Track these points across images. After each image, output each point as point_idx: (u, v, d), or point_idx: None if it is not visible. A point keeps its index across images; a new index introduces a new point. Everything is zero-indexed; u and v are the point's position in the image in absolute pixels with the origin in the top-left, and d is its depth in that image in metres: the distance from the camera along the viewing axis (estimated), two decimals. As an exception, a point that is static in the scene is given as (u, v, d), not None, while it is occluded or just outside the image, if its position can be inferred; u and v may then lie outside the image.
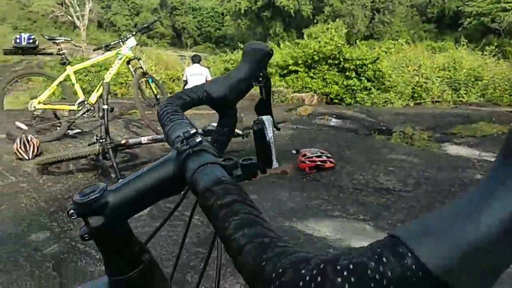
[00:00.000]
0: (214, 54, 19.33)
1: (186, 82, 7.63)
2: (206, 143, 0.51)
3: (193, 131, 0.51)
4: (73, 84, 4.97)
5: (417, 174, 3.71)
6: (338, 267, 0.25)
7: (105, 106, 3.37)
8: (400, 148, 4.87)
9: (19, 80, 5.13)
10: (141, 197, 0.53)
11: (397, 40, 13.16)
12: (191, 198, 0.51)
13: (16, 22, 30.07)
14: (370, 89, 9.51)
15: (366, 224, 2.79)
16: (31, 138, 4.22)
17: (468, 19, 21.42)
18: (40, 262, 2.40)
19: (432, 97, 9.67)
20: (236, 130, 2.89)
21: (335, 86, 9.61)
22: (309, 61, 10.05)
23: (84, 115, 4.76)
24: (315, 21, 25.18)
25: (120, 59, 4.83)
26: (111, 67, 4.89)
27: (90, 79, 9.77)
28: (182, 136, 0.50)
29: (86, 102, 4.76)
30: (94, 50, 5.45)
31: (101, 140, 3.45)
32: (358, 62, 9.68)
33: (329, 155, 3.91)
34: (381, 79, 9.72)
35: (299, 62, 10.14)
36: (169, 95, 5.33)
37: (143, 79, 4.97)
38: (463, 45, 12.21)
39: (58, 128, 4.88)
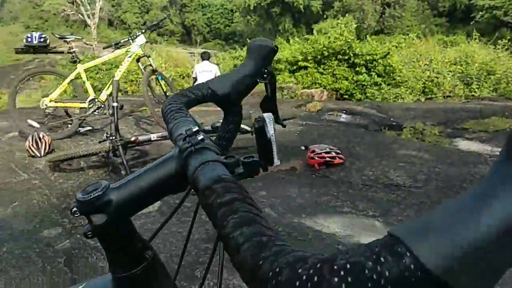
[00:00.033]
0: (223, 51, 19.34)
1: (195, 79, 7.65)
2: (208, 141, 0.51)
3: (196, 129, 0.51)
4: (83, 82, 5.02)
5: (427, 170, 3.67)
6: (335, 267, 0.25)
7: (115, 104, 3.40)
8: (410, 143, 4.82)
9: (31, 79, 5.19)
10: (144, 195, 0.54)
11: (407, 34, 13.02)
12: (196, 196, 0.51)
13: (28, 21, 30.40)
14: (381, 84, 9.43)
15: (375, 220, 2.77)
16: (43, 136, 4.27)
17: (480, 13, 21.08)
18: (52, 258, 2.44)
19: (443, 92, 9.56)
20: (245, 127, 2.91)
21: (345, 82, 9.55)
22: (319, 56, 10.00)
23: (95, 112, 4.81)
24: (324, 16, 25.01)
25: (130, 56, 4.87)
26: (121, 65, 4.93)
27: (101, 77, 9.84)
28: (184, 134, 0.51)
29: (96, 100, 4.80)
30: (104, 48, 5.49)
31: (111, 138, 3.48)
32: (368, 57, 9.60)
33: (338, 151, 3.89)
34: (391, 74, 9.62)
35: (309, 58, 10.09)
36: (178, 92, 5.34)
37: (153, 77, 5.00)
38: (475, 39, 12.02)
39: (69, 125, 4.94)
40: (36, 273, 2.30)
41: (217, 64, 9.19)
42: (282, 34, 22.99)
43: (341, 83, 9.56)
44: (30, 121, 4.74)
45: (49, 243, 2.61)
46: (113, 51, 5.01)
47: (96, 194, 0.51)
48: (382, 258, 0.24)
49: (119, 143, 3.46)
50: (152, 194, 0.55)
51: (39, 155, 4.18)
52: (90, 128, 5.18)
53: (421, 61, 10.33)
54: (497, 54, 10.68)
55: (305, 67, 10.12)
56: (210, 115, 5.31)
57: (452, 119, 6.31)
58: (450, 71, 9.88)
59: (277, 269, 0.27)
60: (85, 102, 4.80)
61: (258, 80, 0.73)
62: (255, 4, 26.73)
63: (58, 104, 4.86)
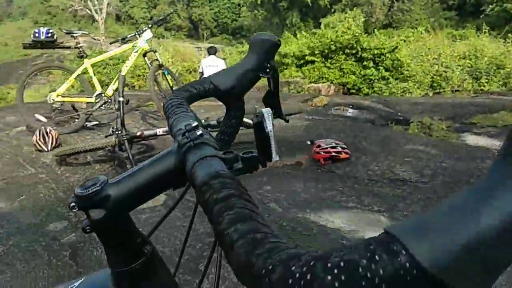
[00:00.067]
0: (230, 46, 19.31)
1: (202, 73, 7.66)
2: (208, 136, 0.51)
3: (195, 124, 0.51)
4: (90, 77, 5.04)
5: (434, 165, 3.64)
6: (329, 265, 0.24)
7: (121, 99, 3.41)
8: (417, 138, 4.78)
9: (38, 74, 5.23)
10: (142, 190, 0.54)
11: (416, 28, 12.87)
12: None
13: (37, 17, 30.59)
14: (388, 78, 9.36)
15: (381, 216, 2.76)
16: (50, 130, 4.31)
17: (490, 6, 20.75)
18: (58, 251, 2.46)
19: (451, 86, 9.45)
20: (249, 121, 2.90)
21: (352, 76, 9.49)
22: (326, 51, 9.93)
23: (102, 107, 4.83)
24: (332, 10, 24.82)
25: (137, 51, 4.88)
26: (128, 59, 4.94)
27: (108, 72, 9.89)
28: (184, 129, 0.50)
29: (103, 95, 4.82)
30: (111, 43, 5.50)
31: (117, 132, 3.49)
32: (376, 52, 9.52)
33: (344, 146, 3.87)
34: (399, 68, 9.54)
35: (316, 52, 10.03)
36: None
37: (160, 71, 5.01)
38: (485, 32, 11.86)
39: (76, 120, 4.97)
40: (42, 266, 2.33)
41: (224, 59, 9.18)
42: (289, 28, 22.88)
43: (348, 78, 9.50)
44: (37, 116, 4.78)
45: (55, 236, 2.64)
46: (119, 46, 5.02)
47: (95, 189, 0.51)
48: (377, 256, 0.23)
49: (125, 138, 3.48)
50: (151, 189, 0.55)
51: (46, 150, 4.21)
52: (97, 122, 5.21)
53: (430, 55, 10.22)
54: (507, 48, 10.53)
55: (312, 62, 10.07)
56: (216, 109, 5.31)
57: (460, 114, 6.25)
58: (459, 65, 9.77)
59: (270, 267, 0.27)
60: (92, 97, 4.83)
61: (261, 75, 0.72)
62: (263, -2, 26.60)
63: (65, 99, 4.89)
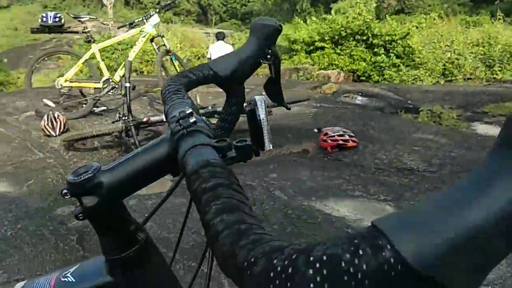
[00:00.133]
0: (239, 31, 19.16)
1: (210, 59, 7.62)
2: (202, 124, 0.50)
3: (189, 111, 0.50)
4: (98, 62, 5.03)
5: (443, 154, 3.60)
6: (311, 258, 0.24)
7: (127, 84, 3.41)
8: (427, 127, 4.73)
9: (46, 59, 5.24)
10: (136, 177, 0.53)
11: (429, 14, 12.63)
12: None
13: (46, 1, 30.57)
14: (399, 66, 9.23)
15: (386, 205, 2.74)
16: (58, 115, 4.33)
17: (506, -9, 20.30)
18: (65, 236, 2.49)
19: (464, 74, 9.30)
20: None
21: (363, 63, 9.38)
22: (336, 37, 9.81)
23: (109, 92, 4.83)
24: (343, -5, 24.45)
25: (144, 36, 4.85)
26: (135, 45, 4.92)
27: (117, 57, 9.88)
28: (178, 116, 0.49)
29: (111, 80, 4.82)
30: (118, 28, 5.49)
31: (123, 118, 3.50)
32: (387, 38, 9.38)
33: (352, 134, 3.84)
34: (410, 55, 9.40)
35: (326, 38, 9.91)
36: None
37: (167, 57, 4.98)
38: (499, 19, 11.61)
39: (84, 105, 4.99)
40: (49, 250, 2.36)
41: (232, 44, 9.12)
42: (299, 14, 22.60)
43: (358, 65, 9.39)
44: (45, 101, 4.80)
45: (62, 221, 2.67)
46: (127, 31, 5.00)
47: (87, 176, 0.51)
48: (360, 251, 0.23)
49: (131, 124, 3.49)
50: (145, 177, 0.54)
51: (54, 135, 4.24)
52: (105, 108, 5.23)
53: (442, 42, 10.04)
54: (522, 35, 10.30)
55: (322, 48, 9.96)
56: (224, 96, 5.28)
57: (471, 103, 6.15)
58: (472, 53, 9.59)
59: (253, 259, 0.26)
60: (99, 82, 4.83)
61: (261, 61, 0.71)
62: (273, -17, 26.26)
63: (73, 84, 4.90)
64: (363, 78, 9.32)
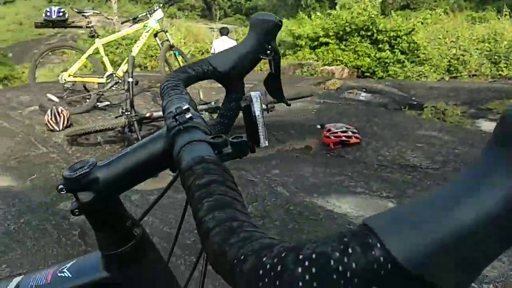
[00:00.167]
0: (244, 26, 19.09)
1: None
2: (198, 120, 0.50)
3: (186, 107, 0.50)
4: (102, 57, 5.04)
5: (446, 151, 3.58)
6: (300, 257, 0.23)
7: (130, 79, 3.41)
8: (430, 124, 4.70)
9: (51, 53, 5.24)
10: (132, 173, 0.53)
11: (435, 10, 12.53)
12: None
13: (51, -5, 30.61)
14: (404, 62, 9.17)
15: (389, 202, 2.73)
16: (62, 110, 4.35)
17: (513, -13, 20.11)
18: (67, 230, 2.51)
19: (469, 71, 9.23)
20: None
21: (367, 59, 9.32)
22: (341, 32, 9.75)
23: (113, 87, 4.84)
24: (349, -10, 24.31)
25: (147, 31, 4.85)
26: (139, 40, 4.92)
27: (121, 52, 9.88)
28: (174, 111, 0.49)
29: (114, 75, 4.82)
30: (122, 23, 5.49)
31: (126, 113, 3.50)
32: (392, 34, 9.31)
33: (355, 130, 3.82)
34: (415, 51, 9.33)
35: (330, 33, 9.85)
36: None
37: (170, 52, 4.98)
38: (506, 15, 11.49)
39: (87, 100, 5.00)
40: (52, 245, 2.37)
41: (236, 40, 9.10)
42: (304, 9, 22.51)
43: (363, 60, 9.34)
44: (49, 95, 4.81)
45: (65, 215, 2.68)
46: (131, 26, 5.00)
47: (83, 172, 0.51)
48: (350, 249, 0.23)
49: (134, 119, 3.49)
50: (141, 173, 0.54)
51: (57, 129, 4.26)
52: (108, 103, 5.23)
53: (448, 38, 9.96)
54: (529, 31, 10.20)
55: (326, 43, 9.90)
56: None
57: (476, 99, 6.11)
58: (477, 49, 9.51)
59: (242, 256, 0.26)
60: (103, 77, 4.84)
61: (261, 57, 0.70)
62: (277, -22, 26.14)
63: (77, 79, 4.91)
64: (368, 74, 9.27)
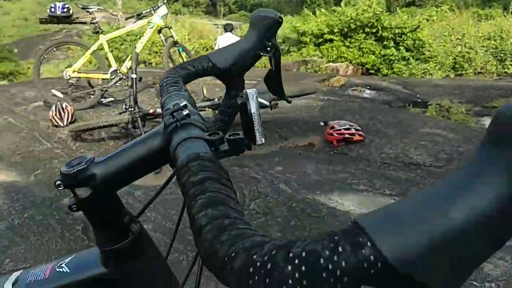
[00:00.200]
0: (248, 23, 19.08)
1: (217, 51, 7.59)
2: (196, 117, 0.50)
3: (183, 103, 0.50)
4: (106, 53, 5.05)
5: (450, 149, 3.56)
6: (291, 255, 0.24)
7: (134, 76, 3.41)
8: (435, 121, 4.68)
9: (55, 49, 5.25)
10: (129, 169, 0.54)
11: (440, 7, 12.44)
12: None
13: (56, -9, 30.64)
14: (409, 59, 9.11)
15: (392, 199, 2.73)
16: (66, 106, 4.36)
17: (520, -16, 19.92)
18: (71, 225, 2.52)
19: (474, 68, 9.16)
20: (262, 101, 2.85)
21: (372, 56, 9.27)
22: (345, 29, 9.70)
23: (117, 84, 4.85)
24: (354, -13, 24.17)
25: (151, 28, 4.85)
26: (143, 36, 4.92)
27: (125, 48, 9.89)
28: (172, 108, 0.49)
29: (118, 71, 4.83)
30: (126, 19, 5.49)
31: (130, 110, 3.51)
32: (397, 31, 9.25)
33: (358, 127, 3.81)
34: (420, 48, 9.26)
35: (335, 30, 9.80)
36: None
37: (175, 48, 4.98)
38: (512, 12, 11.41)
39: (92, 96, 5.01)
40: (55, 239, 2.39)
41: (240, 36, 9.07)
42: (309, 5, 22.42)
43: (367, 58, 9.29)
44: (54, 91, 4.83)
45: (68, 211, 2.68)
46: (135, 22, 5.00)
47: (80, 168, 0.51)
48: (340, 248, 0.23)
49: (137, 115, 3.50)
50: (138, 169, 0.55)
51: (62, 125, 4.28)
52: (112, 99, 5.25)
53: (453, 35, 9.89)
54: (535, 29, 10.11)
55: (331, 40, 9.86)
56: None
57: (481, 97, 6.07)
58: (483, 46, 9.43)
59: (233, 254, 0.26)
60: (107, 73, 4.85)
61: (261, 53, 0.70)
62: (282, -26, 26.02)
63: (81, 75, 4.92)
64: (372, 71, 9.23)
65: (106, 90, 4.99)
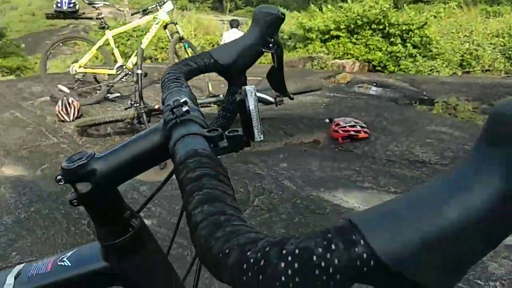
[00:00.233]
0: (254, 19, 19.00)
1: (223, 47, 7.59)
2: (195, 113, 0.50)
3: (183, 100, 0.50)
4: (112, 49, 5.06)
5: (456, 147, 3.54)
6: (284, 252, 0.24)
7: (139, 71, 3.42)
8: (441, 119, 4.65)
9: (61, 44, 5.28)
10: (129, 165, 0.54)
11: (448, 3, 12.33)
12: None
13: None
14: (416, 56, 9.06)
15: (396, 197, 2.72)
16: (72, 101, 4.39)
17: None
18: (76, 220, 2.54)
19: (482, 66, 9.08)
20: (268, 97, 2.86)
21: (378, 53, 9.22)
22: (352, 26, 9.65)
23: (123, 79, 4.86)
24: (361, -17, 24.00)
25: (157, 23, 4.85)
26: (149, 32, 4.93)
27: (131, 44, 9.91)
28: (172, 104, 0.49)
29: (124, 67, 4.84)
30: (132, 14, 5.50)
31: (135, 105, 3.52)
32: (404, 27, 9.19)
33: (363, 125, 3.80)
34: (428, 45, 9.20)
35: (342, 27, 9.76)
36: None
37: (180, 44, 4.98)
38: (521, 9, 11.29)
39: (98, 91, 5.03)
40: (61, 233, 2.41)
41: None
42: (316, 1, 22.32)
43: (374, 54, 9.24)
44: (60, 86, 4.86)
45: (74, 205, 2.71)
46: (141, 18, 5.01)
47: (81, 163, 0.52)
48: (333, 245, 0.23)
49: (143, 111, 3.51)
50: (138, 165, 0.55)
51: (68, 120, 4.30)
52: (118, 94, 5.26)
53: (461, 32, 9.81)
54: (544, 26, 9.99)
55: (337, 37, 9.81)
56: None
57: (489, 95, 6.01)
58: (491, 44, 9.34)
59: (227, 250, 0.26)
60: (113, 69, 4.86)
61: (264, 50, 0.70)
62: (289, -30, 25.89)
63: (87, 70, 4.94)
64: (379, 68, 9.18)
65: (112, 86, 5.01)
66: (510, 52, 9.14)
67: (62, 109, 4.31)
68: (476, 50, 9.17)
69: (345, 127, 3.70)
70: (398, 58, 9.13)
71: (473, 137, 3.84)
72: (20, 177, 3.17)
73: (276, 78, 0.77)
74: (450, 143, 3.66)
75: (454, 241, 0.22)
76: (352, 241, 0.23)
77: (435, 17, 10.49)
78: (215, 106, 3.73)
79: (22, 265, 0.63)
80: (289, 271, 0.23)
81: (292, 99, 0.89)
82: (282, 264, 0.23)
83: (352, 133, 3.68)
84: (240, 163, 3.21)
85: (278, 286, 0.23)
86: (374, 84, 6.53)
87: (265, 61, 6.43)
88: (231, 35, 7.47)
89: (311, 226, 2.38)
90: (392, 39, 9.28)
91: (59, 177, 0.53)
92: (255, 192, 2.80)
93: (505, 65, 9.02)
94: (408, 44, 9.16)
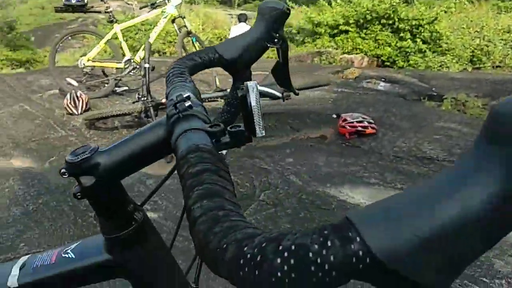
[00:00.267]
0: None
1: (231, 41, 7.57)
2: (198, 108, 0.50)
3: (186, 95, 0.50)
4: (120, 42, 5.07)
5: (464, 144, 3.51)
6: (280, 247, 0.24)
7: (147, 65, 3.43)
8: (450, 115, 4.61)
9: (70, 38, 5.30)
10: (133, 159, 0.54)
11: (459, -2, 12.17)
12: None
13: (73, -20, 30.77)
14: (425, 51, 8.95)
15: (403, 193, 2.70)
16: (80, 94, 4.41)
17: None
18: (83, 212, 2.56)
19: (493, 62, 8.95)
20: (275, 92, 2.86)
21: (388, 48, 9.13)
22: (361, 20, 9.57)
23: (130, 73, 4.88)
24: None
25: (165, 17, 4.85)
26: (157, 26, 4.93)
27: (140, 38, 9.92)
28: (175, 99, 0.49)
29: (132, 60, 4.86)
30: (140, 8, 5.50)
31: (142, 99, 3.54)
32: (414, 22, 9.08)
33: (371, 120, 3.78)
34: (438, 41, 9.09)
35: (350, 21, 9.67)
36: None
37: (188, 38, 4.98)
38: (534, 4, 11.10)
39: (106, 85, 5.05)
40: (68, 225, 2.44)
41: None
42: (325, -4, 22.16)
43: (383, 49, 9.15)
44: (69, 79, 4.89)
45: (81, 198, 2.74)
46: (149, 11, 5.01)
47: (84, 156, 0.52)
48: (329, 242, 0.23)
49: (150, 104, 3.52)
50: (141, 158, 0.55)
51: (76, 113, 4.33)
52: (126, 88, 5.28)
53: (472, 27, 9.67)
54: (557, 21, 9.83)
55: (346, 31, 9.73)
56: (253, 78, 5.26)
57: (499, 91, 5.94)
58: (502, 40, 9.21)
59: (225, 245, 0.26)
60: (121, 63, 4.88)
61: (268, 45, 0.70)
62: (299, -36, 25.73)
63: (95, 64, 4.96)
64: (388, 63, 9.10)
65: (120, 79, 5.03)
66: (521, 48, 9.01)
67: (70, 102, 4.34)
68: (487, 46, 9.05)
69: (352, 122, 3.69)
70: (408, 54, 9.04)
71: (482, 134, 3.80)
72: (29, 169, 3.21)
73: (281, 73, 0.76)
74: (458, 139, 3.63)
75: (451, 240, 0.22)
76: (348, 238, 0.23)
77: (445, 12, 10.36)
78: (222, 100, 3.73)
79: (27, 256, 0.64)
80: (285, 267, 0.23)
81: (297, 94, 0.89)
82: (278, 260, 0.23)
83: (360, 128, 3.67)
84: (247, 158, 3.22)
85: (274, 282, 0.23)
86: (383, 79, 6.49)
87: (273, 55, 6.40)
88: (239, 29, 7.44)
89: (316, 222, 2.38)
90: (401, 34, 9.18)
91: (63, 170, 0.53)
92: (261, 186, 2.80)
93: (516, 61, 8.90)
94: (418, 40, 9.05)
